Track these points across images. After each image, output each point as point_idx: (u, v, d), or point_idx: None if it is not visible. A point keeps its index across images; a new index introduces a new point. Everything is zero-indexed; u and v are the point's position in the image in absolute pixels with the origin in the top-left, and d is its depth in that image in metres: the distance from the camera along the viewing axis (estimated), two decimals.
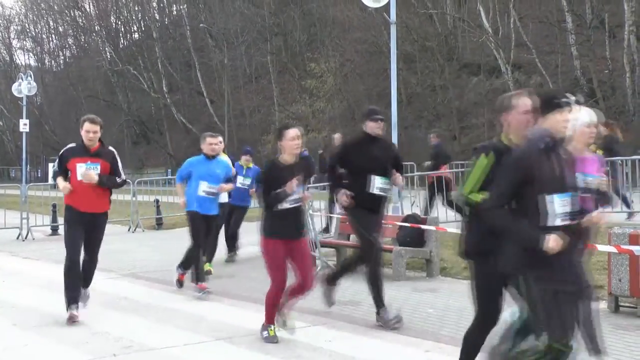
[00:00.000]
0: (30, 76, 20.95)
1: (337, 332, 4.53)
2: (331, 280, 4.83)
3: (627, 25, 19.16)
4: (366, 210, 4.57)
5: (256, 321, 4.85)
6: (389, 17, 8.75)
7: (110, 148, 5.00)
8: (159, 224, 12.38)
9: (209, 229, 5.92)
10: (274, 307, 4.24)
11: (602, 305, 4.94)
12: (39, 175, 40.09)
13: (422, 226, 6.47)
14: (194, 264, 5.81)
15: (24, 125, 19.55)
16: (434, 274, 6.47)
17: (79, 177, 4.78)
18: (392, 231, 6.75)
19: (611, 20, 20.35)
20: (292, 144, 4.14)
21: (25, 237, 11.01)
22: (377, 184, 4.59)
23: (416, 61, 25.40)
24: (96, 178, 4.78)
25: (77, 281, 4.88)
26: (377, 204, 4.64)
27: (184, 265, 5.92)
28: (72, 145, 4.98)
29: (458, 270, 6.47)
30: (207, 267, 6.55)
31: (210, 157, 5.81)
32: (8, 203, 14.80)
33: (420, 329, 4.53)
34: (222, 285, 6.19)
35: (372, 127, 4.67)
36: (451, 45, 25.41)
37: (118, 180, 4.95)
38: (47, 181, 28.65)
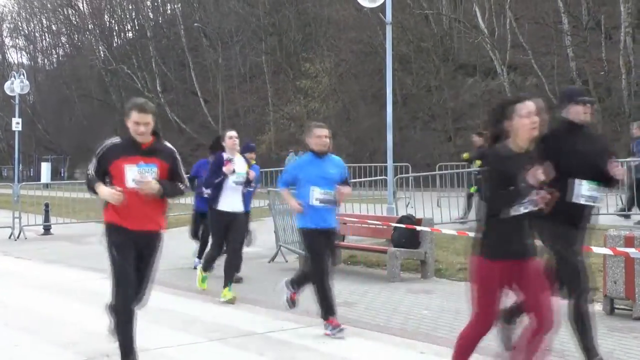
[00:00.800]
0: (23, 74, 20.79)
1: None
2: (508, 318, 3.56)
3: (624, 26, 19.21)
4: (565, 224, 3.38)
5: (250, 321, 4.83)
6: (385, 17, 8.72)
7: (168, 144, 3.72)
8: None
9: (330, 245, 4.59)
10: (465, 355, 3.05)
11: (598, 307, 4.95)
12: (32, 175, 39.85)
13: (417, 227, 6.45)
14: (320, 295, 4.49)
15: (16, 124, 19.40)
16: (429, 275, 6.46)
17: (130, 184, 3.49)
18: (387, 232, 6.73)
19: (607, 22, 20.42)
20: (526, 122, 2.89)
21: (18, 237, 10.93)
22: (582, 190, 3.41)
23: (411, 62, 25.43)
24: (157, 187, 3.51)
25: (131, 326, 3.69)
26: (579, 215, 3.46)
27: (298, 284, 4.69)
28: (115, 140, 3.64)
29: (453, 271, 6.46)
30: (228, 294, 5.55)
31: (321, 155, 4.53)
32: (0, 202, 14.69)
33: (415, 331, 4.51)
34: (215, 286, 6.15)
35: (578, 113, 3.49)
36: (447, 46, 25.45)
37: (181, 187, 3.69)
38: (40, 180, 28.50)
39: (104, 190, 3.53)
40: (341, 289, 5.96)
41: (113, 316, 3.75)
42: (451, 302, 5.30)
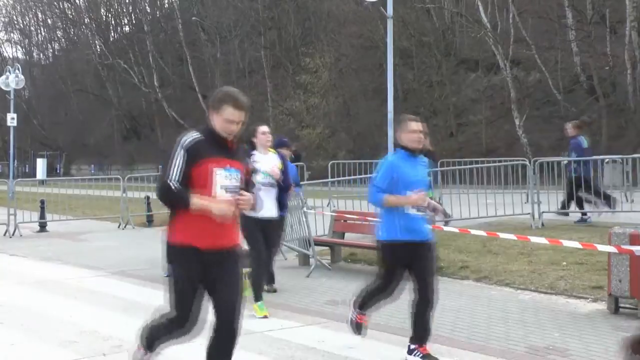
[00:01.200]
0: (18, 69, 20.64)
1: (331, 332, 4.45)
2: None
3: (629, 21, 19.06)
4: None
5: (249, 320, 4.75)
6: (386, 11, 8.64)
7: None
8: (150, 221, 12.21)
9: (427, 260, 3.80)
10: None
11: (602, 306, 4.89)
12: (27, 171, 39.70)
13: None
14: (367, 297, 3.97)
15: (11, 119, 19.27)
16: None
17: (218, 192, 2.84)
18: None
19: (612, 16, 20.30)
20: None
21: (13, 234, 10.83)
22: None
23: (413, 56, 25.32)
24: (252, 202, 2.94)
25: (175, 340, 3.22)
26: None
27: (364, 305, 4.02)
28: (197, 135, 2.88)
29: (454, 270, 6.39)
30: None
31: (415, 153, 3.85)
32: None
33: None
34: None
35: None
36: (449, 41, 25.34)
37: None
38: (35, 177, 28.38)
39: (215, 205, 2.78)
40: (341, 287, 5.89)
41: (168, 328, 3.18)
42: (452, 300, 5.24)
